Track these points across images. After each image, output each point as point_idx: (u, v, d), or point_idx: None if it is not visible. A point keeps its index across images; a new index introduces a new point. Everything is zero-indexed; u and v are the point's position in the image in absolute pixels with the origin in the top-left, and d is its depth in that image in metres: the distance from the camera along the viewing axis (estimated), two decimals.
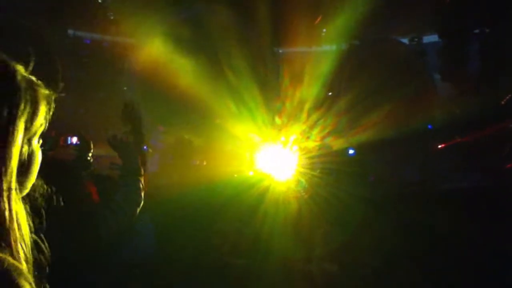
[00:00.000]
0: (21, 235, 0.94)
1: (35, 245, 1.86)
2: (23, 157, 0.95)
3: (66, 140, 4.66)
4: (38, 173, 1.04)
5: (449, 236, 4.11)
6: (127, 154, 2.77)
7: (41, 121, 0.97)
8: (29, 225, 1.28)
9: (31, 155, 0.98)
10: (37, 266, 0.98)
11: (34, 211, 1.82)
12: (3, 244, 0.87)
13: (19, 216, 0.94)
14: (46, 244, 1.99)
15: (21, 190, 0.97)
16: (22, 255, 0.92)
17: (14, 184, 0.90)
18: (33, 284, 0.87)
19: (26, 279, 0.84)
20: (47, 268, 1.83)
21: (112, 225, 2.56)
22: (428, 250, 4.16)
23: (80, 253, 2.37)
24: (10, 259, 0.87)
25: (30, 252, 0.98)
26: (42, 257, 1.86)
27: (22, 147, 0.93)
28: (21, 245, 0.93)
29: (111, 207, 2.60)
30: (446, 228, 4.14)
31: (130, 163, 2.76)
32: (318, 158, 4.85)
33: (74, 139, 4.58)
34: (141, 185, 2.75)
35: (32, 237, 1.82)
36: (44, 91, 0.97)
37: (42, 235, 1.91)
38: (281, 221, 4.13)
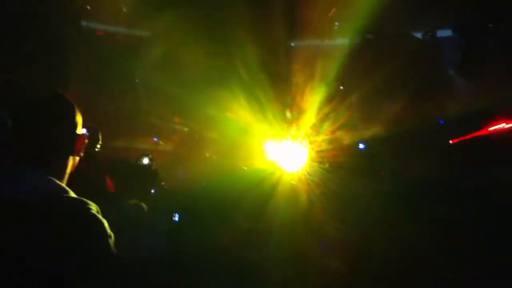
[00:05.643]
0: None
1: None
2: None
3: None
4: None
5: (471, 233, 4.05)
6: None
7: None
8: None
9: None
10: None
11: None
12: None
13: None
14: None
15: None
16: None
17: None
18: None
19: None
20: None
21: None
22: (448, 247, 4.10)
23: None
24: None
25: None
26: None
27: None
28: None
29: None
30: (468, 224, 4.08)
31: None
32: (328, 152, 4.83)
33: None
34: None
35: None
36: None
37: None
38: (291, 215, 4.12)
